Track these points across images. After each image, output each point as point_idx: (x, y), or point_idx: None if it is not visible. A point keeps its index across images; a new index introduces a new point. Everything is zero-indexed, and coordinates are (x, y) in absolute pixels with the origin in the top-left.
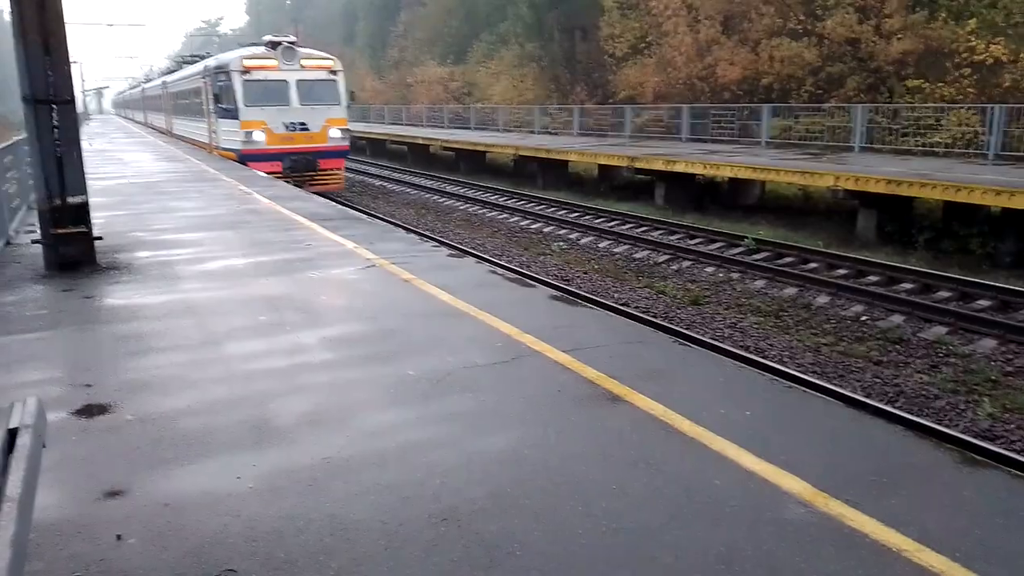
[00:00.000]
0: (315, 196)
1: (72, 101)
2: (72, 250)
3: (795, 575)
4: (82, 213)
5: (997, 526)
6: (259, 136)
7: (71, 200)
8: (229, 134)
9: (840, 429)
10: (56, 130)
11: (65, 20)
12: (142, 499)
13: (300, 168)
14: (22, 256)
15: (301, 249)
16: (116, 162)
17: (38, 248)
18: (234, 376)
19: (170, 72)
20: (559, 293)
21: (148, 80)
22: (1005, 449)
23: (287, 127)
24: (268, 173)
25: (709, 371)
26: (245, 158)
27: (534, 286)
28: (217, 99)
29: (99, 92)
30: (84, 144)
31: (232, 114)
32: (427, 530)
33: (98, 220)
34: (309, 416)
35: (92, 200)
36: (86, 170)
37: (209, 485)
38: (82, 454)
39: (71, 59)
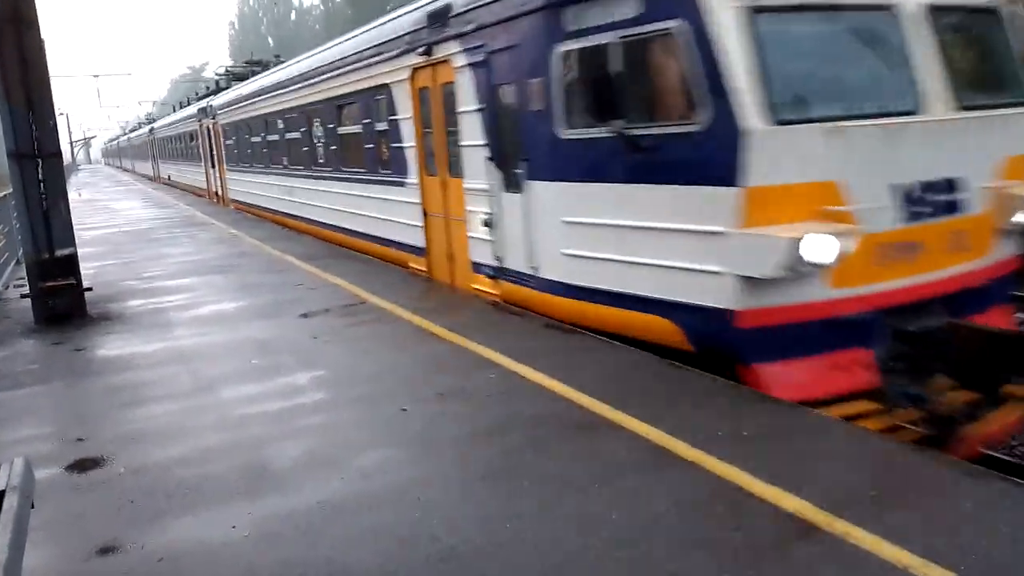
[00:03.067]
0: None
1: (58, 154)
2: (61, 302)
3: None
4: (71, 265)
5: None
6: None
7: (59, 253)
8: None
9: None
10: (42, 184)
11: (49, 75)
12: (136, 554)
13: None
14: (12, 311)
15: (290, 290)
16: (105, 211)
17: (27, 302)
18: (228, 422)
19: (149, 124)
20: None
21: (147, 124)
22: None
23: (912, 200)
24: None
25: None
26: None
27: None
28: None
29: (87, 142)
30: (73, 195)
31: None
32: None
33: (88, 271)
34: (304, 459)
35: (82, 251)
36: (75, 221)
37: (204, 535)
38: (74, 510)
39: (56, 112)
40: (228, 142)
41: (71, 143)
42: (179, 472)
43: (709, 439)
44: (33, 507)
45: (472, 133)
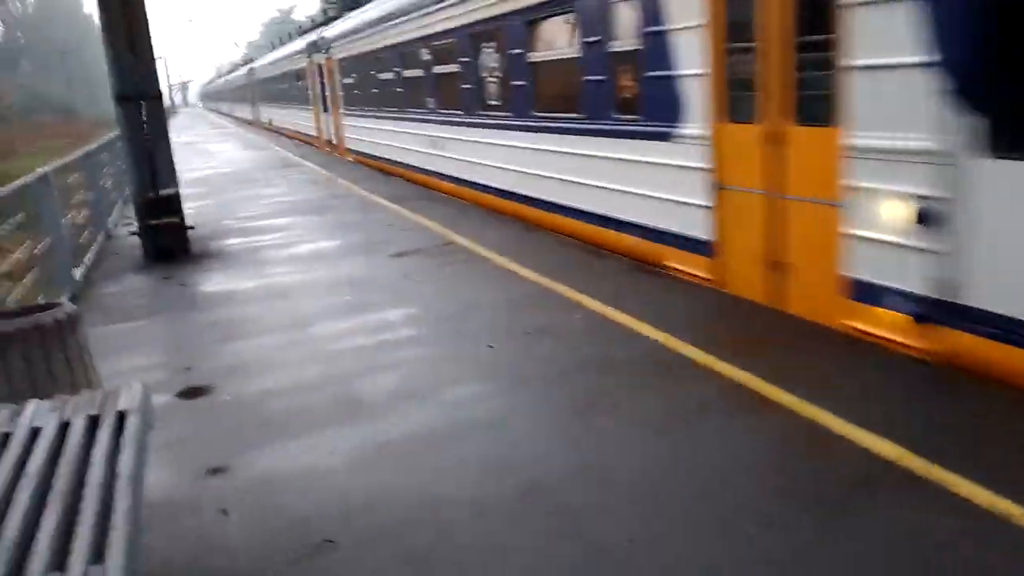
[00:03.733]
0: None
1: (159, 96)
2: (167, 240)
3: None
4: (174, 204)
5: None
6: None
7: (163, 192)
8: None
9: None
10: (145, 125)
11: (148, 18)
12: (242, 476)
13: None
14: (121, 248)
15: (382, 230)
16: (203, 154)
17: (136, 239)
18: (322, 355)
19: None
20: None
21: (245, 64)
22: None
23: None
24: None
25: None
26: None
27: None
28: None
29: (184, 86)
30: (172, 137)
31: None
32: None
33: (189, 210)
34: (395, 391)
35: (183, 191)
36: (175, 162)
37: (303, 460)
38: (185, 434)
39: (155, 56)
40: (347, 80)
41: (169, 87)
42: (278, 401)
43: (797, 382)
44: (151, 427)
45: (889, 40)
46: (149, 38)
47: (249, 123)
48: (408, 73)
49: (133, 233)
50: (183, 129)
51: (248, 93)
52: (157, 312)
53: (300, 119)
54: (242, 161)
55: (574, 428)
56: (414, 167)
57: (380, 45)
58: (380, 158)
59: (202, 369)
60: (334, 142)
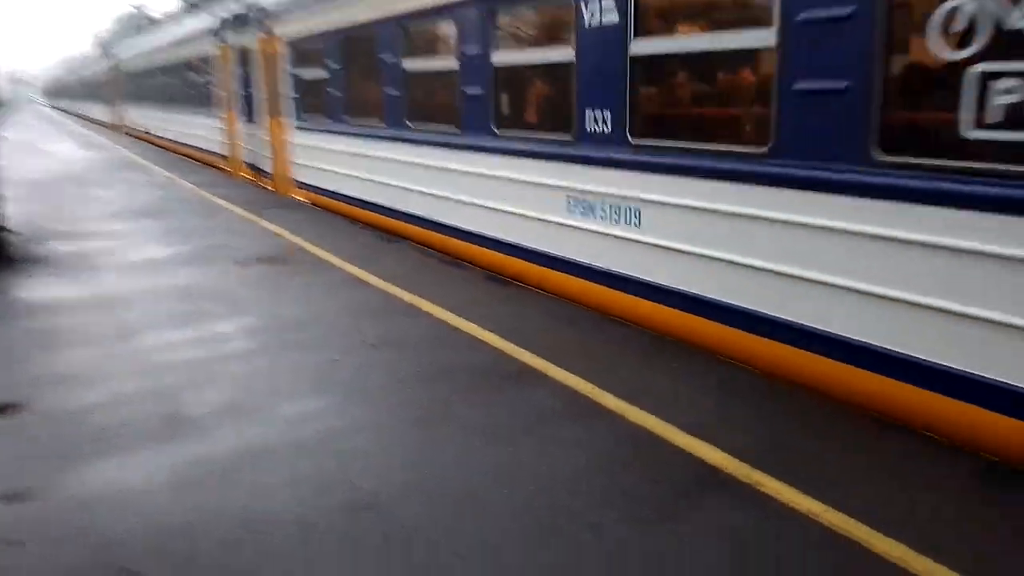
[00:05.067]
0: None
1: None
2: None
3: None
4: None
5: None
6: None
7: None
8: None
9: None
10: None
11: None
12: (46, 500)
13: None
14: None
15: (224, 236)
16: (38, 153)
17: None
18: (149, 369)
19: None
20: None
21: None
22: None
23: None
24: None
25: None
26: None
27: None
28: None
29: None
30: (10, 134)
31: None
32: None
33: (16, 213)
34: (225, 407)
35: (11, 192)
36: (5, 162)
37: (118, 482)
38: None
39: None
40: (307, 74)
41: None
42: (95, 418)
43: (637, 391)
44: None
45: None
46: None
47: (110, 127)
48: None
49: None
50: (20, 126)
51: (109, 90)
52: None
53: (198, 130)
54: (80, 161)
55: (411, 441)
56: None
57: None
58: (376, 207)
59: (12, 383)
60: (266, 169)
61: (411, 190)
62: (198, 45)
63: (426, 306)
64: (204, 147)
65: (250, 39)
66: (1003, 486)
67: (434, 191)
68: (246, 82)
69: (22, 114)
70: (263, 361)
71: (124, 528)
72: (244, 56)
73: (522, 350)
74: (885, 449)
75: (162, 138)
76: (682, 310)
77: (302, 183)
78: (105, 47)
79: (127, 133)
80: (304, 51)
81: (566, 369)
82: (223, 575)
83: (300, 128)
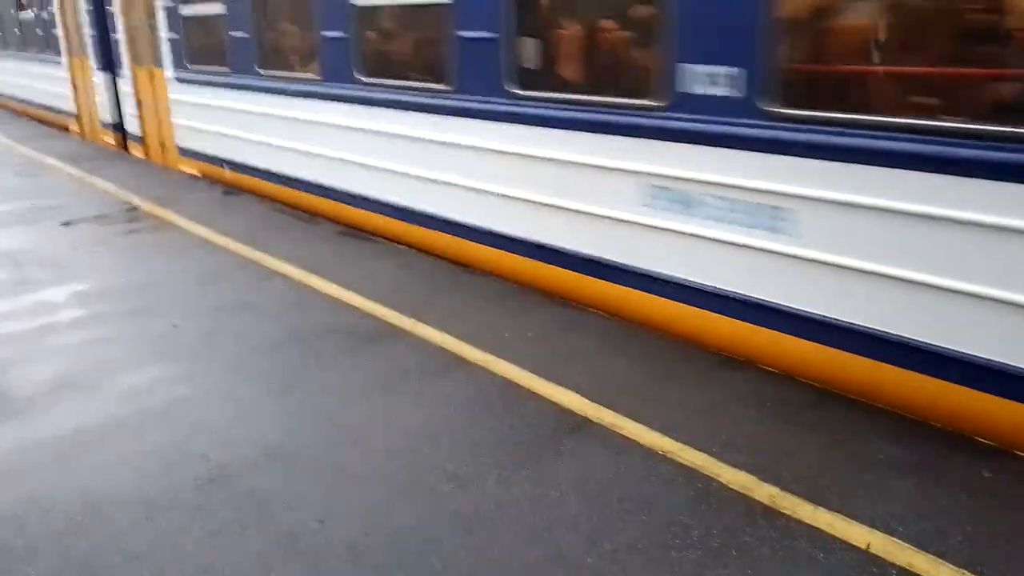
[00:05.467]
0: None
1: None
2: None
3: None
4: None
5: None
6: None
7: None
8: None
9: None
10: None
11: None
12: None
13: None
14: None
15: (50, 196)
16: None
17: None
18: None
19: None
20: None
21: None
22: None
23: None
24: None
25: None
26: None
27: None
28: None
29: None
30: None
31: None
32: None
33: None
34: (56, 383)
35: None
36: None
37: None
38: None
39: None
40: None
41: None
42: None
43: (497, 342)
44: None
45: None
46: None
47: None
48: None
49: None
50: None
51: None
52: None
53: (30, 81)
54: None
55: (263, 408)
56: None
57: None
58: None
59: None
60: (135, 132)
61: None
62: None
63: (275, 264)
64: (43, 103)
65: None
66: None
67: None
68: (100, 19)
69: None
70: (98, 331)
71: None
72: None
73: (382, 308)
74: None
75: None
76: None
77: (189, 150)
78: None
79: None
80: None
81: (428, 325)
82: (67, 565)
83: (184, 80)
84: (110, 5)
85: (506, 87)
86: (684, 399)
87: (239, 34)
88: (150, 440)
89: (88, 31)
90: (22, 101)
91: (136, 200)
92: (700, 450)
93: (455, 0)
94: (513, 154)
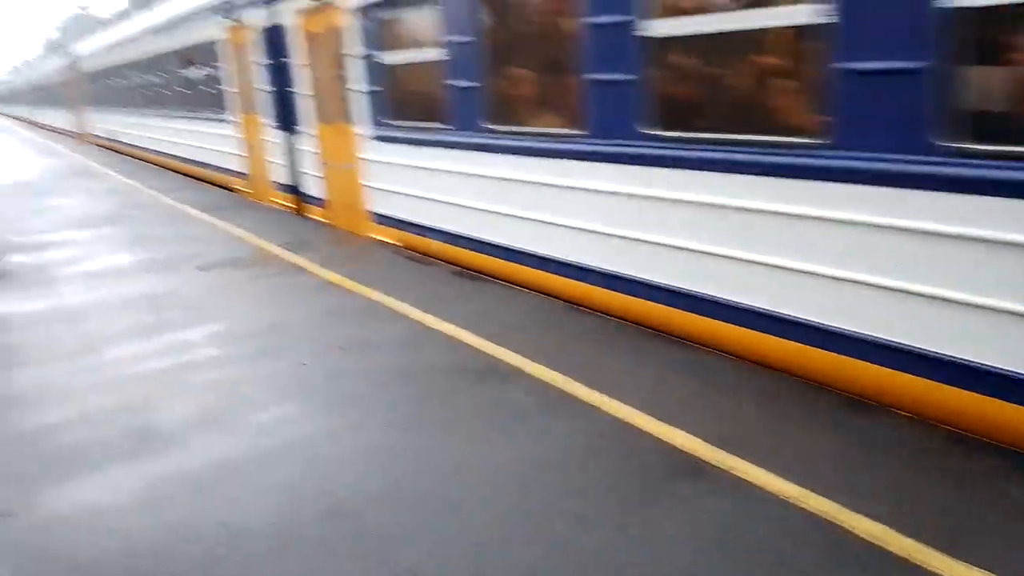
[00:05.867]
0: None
1: None
2: None
3: None
4: None
5: None
6: None
7: None
8: None
9: None
10: None
11: None
12: (10, 524)
13: None
14: None
15: (187, 242)
16: None
17: None
18: (114, 383)
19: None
20: None
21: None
22: None
23: None
24: None
25: None
26: None
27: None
28: None
29: None
30: None
31: None
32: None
33: None
34: (195, 418)
35: None
36: None
37: (86, 502)
38: None
39: None
40: (397, 56)
41: None
42: (60, 436)
43: (610, 381)
44: None
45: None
46: None
47: (73, 136)
48: None
49: None
50: None
51: (68, 93)
52: None
53: (196, 140)
54: (33, 169)
55: (385, 445)
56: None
57: None
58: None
59: None
60: (312, 193)
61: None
62: (193, 29)
63: (393, 304)
64: (208, 162)
65: (285, 11)
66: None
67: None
68: (277, 74)
69: None
70: (233, 370)
71: (98, 550)
72: (273, 37)
73: (497, 347)
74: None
75: (143, 150)
76: None
77: (387, 217)
78: (55, 45)
79: (96, 144)
80: (393, 20)
81: (542, 364)
82: None
83: (384, 138)
84: (289, 57)
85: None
86: (808, 442)
87: (462, 83)
88: (279, 474)
89: (263, 87)
90: (182, 160)
91: (264, 244)
92: (828, 497)
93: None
94: None
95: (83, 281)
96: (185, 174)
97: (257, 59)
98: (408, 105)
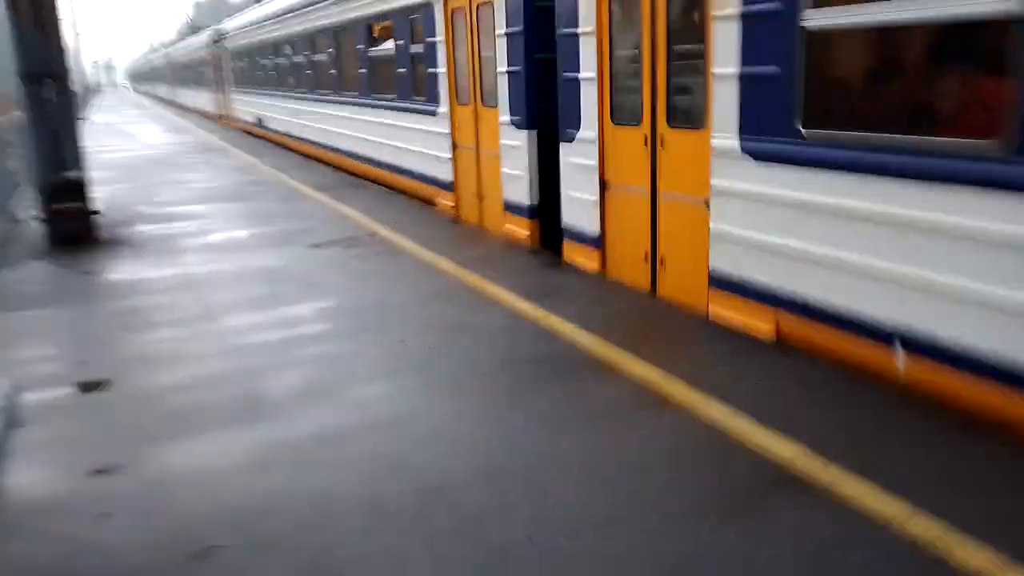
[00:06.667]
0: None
1: (66, 75)
2: (72, 226)
3: None
4: (80, 188)
5: None
6: None
7: (69, 175)
8: None
9: None
10: (51, 105)
11: None
12: (130, 476)
13: None
14: (26, 233)
15: (302, 220)
16: (122, 135)
17: (40, 225)
18: (229, 350)
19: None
20: None
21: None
22: None
23: None
24: None
25: None
26: None
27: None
28: None
29: (109, 64)
30: (94, 117)
31: None
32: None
33: (101, 194)
34: (301, 389)
35: (96, 174)
36: (92, 144)
37: (197, 461)
38: (72, 431)
39: (67, 30)
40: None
41: (94, 64)
42: (178, 397)
43: (710, 384)
44: (23, 426)
45: None
46: (56, 14)
47: (214, 119)
48: None
49: (36, 218)
50: (105, 109)
51: (210, 74)
52: (56, 301)
53: (377, 135)
54: (163, 145)
55: (480, 428)
56: None
57: None
58: None
59: (99, 362)
60: (585, 229)
61: None
62: None
63: (494, 290)
64: (394, 163)
65: None
66: None
67: None
68: (532, 48)
69: (108, 98)
70: (338, 344)
71: (205, 507)
72: None
73: (593, 337)
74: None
75: (300, 140)
76: None
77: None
78: (195, 24)
79: (240, 128)
80: None
81: (640, 359)
82: (302, 554)
83: (766, 157)
84: (568, 25)
85: None
86: (921, 461)
87: None
88: (378, 448)
89: (505, 67)
90: (352, 157)
91: (375, 225)
92: (934, 520)
93: None
94: None
95: (205, 252)
96: (354, 173)
97: (503, 27)
98: (865, 102)
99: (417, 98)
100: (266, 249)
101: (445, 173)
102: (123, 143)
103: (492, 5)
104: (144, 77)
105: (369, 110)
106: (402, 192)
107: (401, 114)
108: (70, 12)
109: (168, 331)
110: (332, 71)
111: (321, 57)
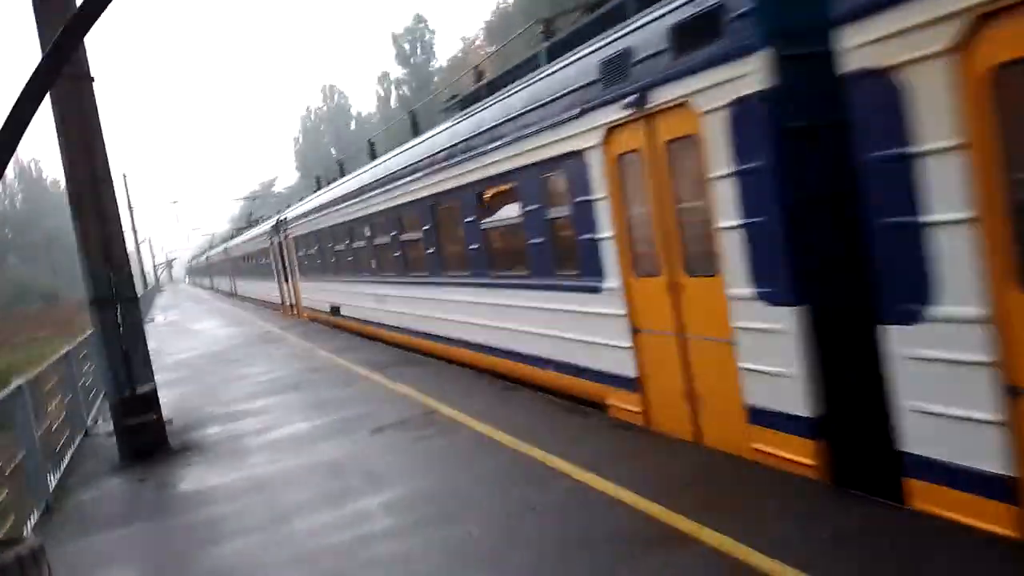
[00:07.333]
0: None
1: (135, 299)
2: (144, 438)
3: None
4: (151, 401)
5: None
6: None
7: (140, 390)
8: None
9: None
10: (121, 327)
11: (122, 227)
12: None
13: None
14: (100, 447)
15: (360, 404)
16: (185, 333)
17: (114, 439)
18: (302, 556)
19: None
20: None
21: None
22: None
23: None
24: None
25: None
26: None
27: None
28: None
29: (169, 264)
30: (159, 317)
31: None
32: None
33: (169, 398)
34: None
35: (163, 377)
36: (158, 346)
37: None
38: None
39: (140, 238)
40: None
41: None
42: None
43: (785, 546)
44: None
45: None
46: (123, 244)
47: (278, 310)
48: None
49: (110, 434)
50: (168, 308)
51: (272, 261)
52: (132, 519)
53: (526, 323)
54: (225, 339)
55: None
56: None
57: None
58: None
59: None
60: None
61: None
62: (550, 143)
63: (557, 463)
64: (539, 355)
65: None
66: None
67: None
68: (784, 190)
69: (166, 296)
70: (406, 542)
71: None
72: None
73: (667, 511)
74: None
75: (385, 327)
76: None
77: None
78: (252, 217)
79: (308, 318)
80: None
81: (713, 529)
82: None
83: None
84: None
85: None
86: None
87: None
88: None
89: (738, 219)
90: (481, 348)
91: (432, 402)
92: None
93: None
94: None
95: (269, 451)
96: (462, 363)
97: (725, 165)
98: None
99: (563, 273)
100: (328, 441)
101: (620, 366)
102: (187, 342)
103: (699, 136)
104: (203, 272)
105: (485, 291)
106: (530, 384)
107: (537, 293)
108: (130, 222)
109: (242, 541)
110: (430, 249)
111: (412, 235)
